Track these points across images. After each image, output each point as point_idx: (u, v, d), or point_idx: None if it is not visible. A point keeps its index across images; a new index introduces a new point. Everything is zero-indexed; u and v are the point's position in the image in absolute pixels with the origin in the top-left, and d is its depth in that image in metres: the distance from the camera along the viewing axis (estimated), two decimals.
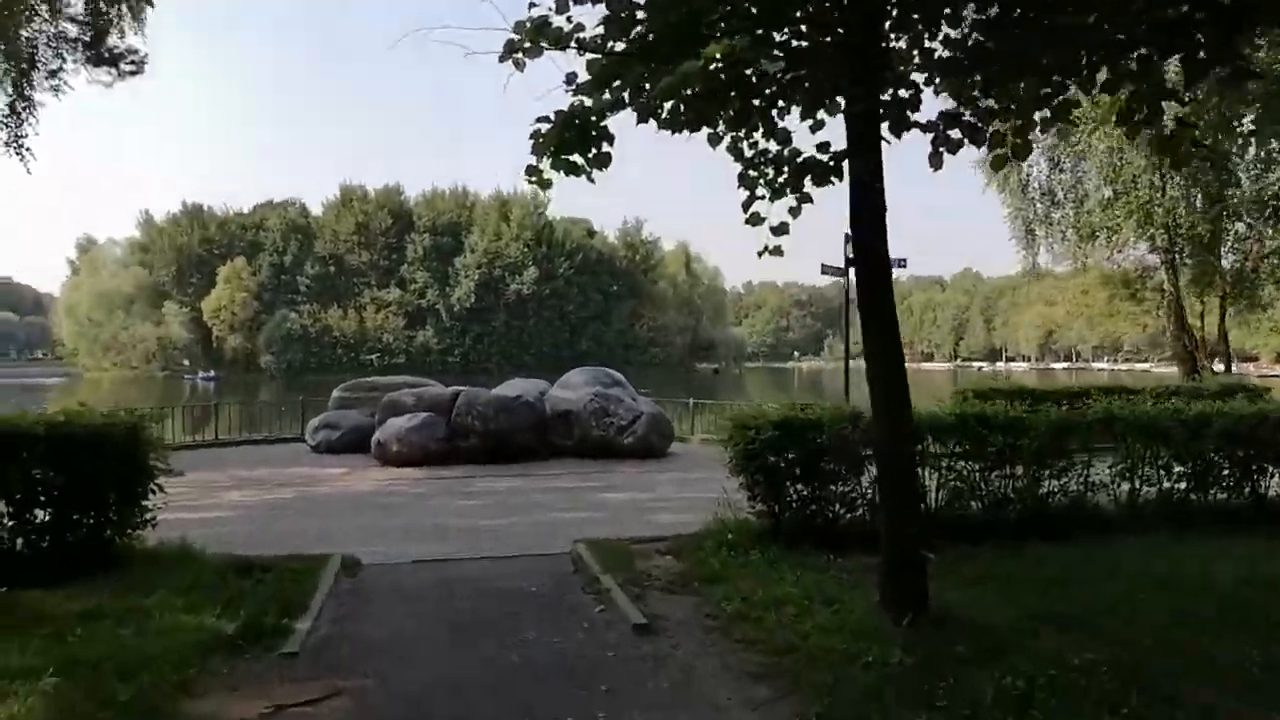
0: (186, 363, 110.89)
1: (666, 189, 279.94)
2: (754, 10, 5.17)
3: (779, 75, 5.04)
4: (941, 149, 5.73)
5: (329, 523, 9.72)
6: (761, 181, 5.87)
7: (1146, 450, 8.84)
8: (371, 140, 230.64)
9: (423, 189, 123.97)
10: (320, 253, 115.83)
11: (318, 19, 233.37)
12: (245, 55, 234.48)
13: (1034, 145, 21.72)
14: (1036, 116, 5.47)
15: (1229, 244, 20.99)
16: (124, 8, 17.52)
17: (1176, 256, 20.04)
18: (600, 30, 5.06)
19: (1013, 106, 5.45)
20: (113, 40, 17.67)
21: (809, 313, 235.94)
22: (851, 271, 17.59)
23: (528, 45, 4.69)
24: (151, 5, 17.97)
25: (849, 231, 6.24)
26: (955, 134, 5.60)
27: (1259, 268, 20.70)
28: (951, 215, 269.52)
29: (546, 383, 17.91)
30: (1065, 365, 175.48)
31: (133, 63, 18.39)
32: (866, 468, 7.86)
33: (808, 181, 5.71)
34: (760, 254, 5.94)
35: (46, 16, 16.75)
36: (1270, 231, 21.45)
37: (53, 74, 16.99)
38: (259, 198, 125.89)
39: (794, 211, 5.84)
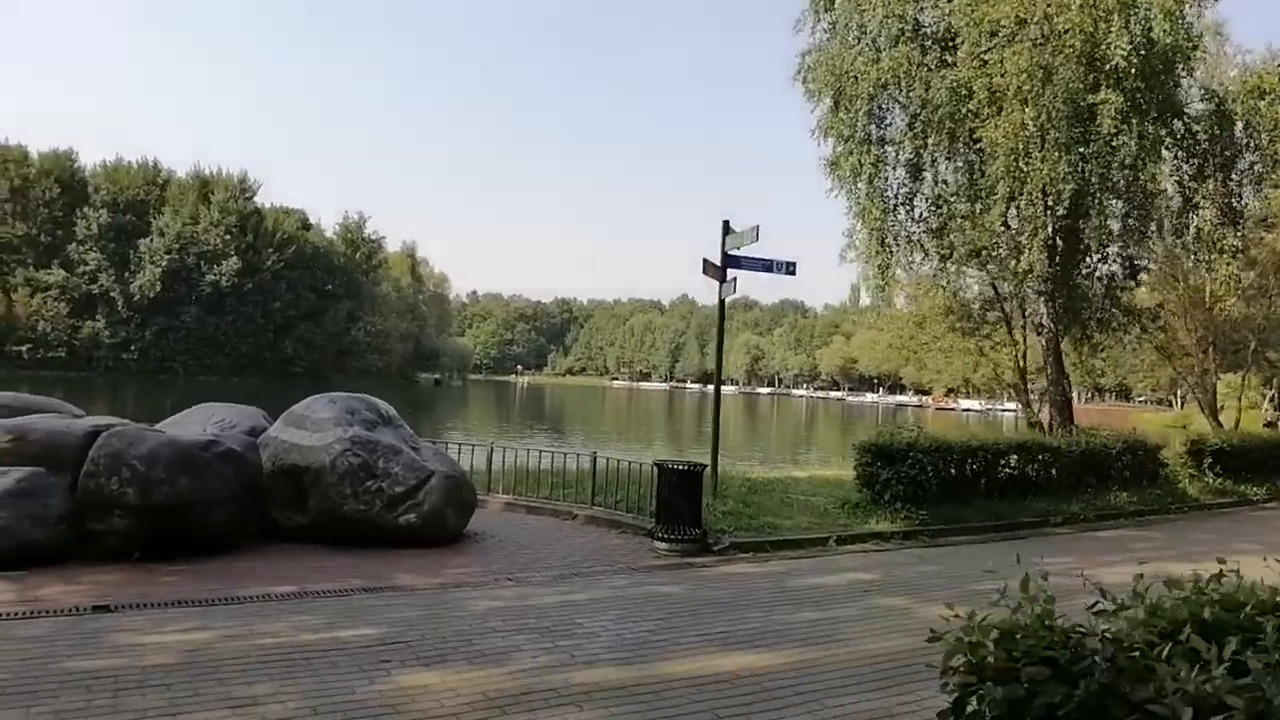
0: None
1: (393, 185, 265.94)
2: None
3: None
4: None
5: None
6: None
7: None
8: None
9: (104, 158, 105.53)
10: None
11: None
12: None
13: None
14: None
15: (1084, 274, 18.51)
16: None
17: (1055, 288, 17.10)
18: None
19: None
20: None
21: (533, 327, 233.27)
22: (729, 273, 12.65)
23: None
24: None
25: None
26: None
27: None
28: (673, 240, 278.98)
29: (262, 413, 11.18)
30: (770, 390, 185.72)
31: None
32: None
33: None
34: None
35: None
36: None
37: None
38: None
39: None
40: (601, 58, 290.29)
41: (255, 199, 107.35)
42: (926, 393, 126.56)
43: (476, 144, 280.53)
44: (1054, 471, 14.48)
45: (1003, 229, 16.02)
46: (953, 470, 13.25)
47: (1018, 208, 15.75)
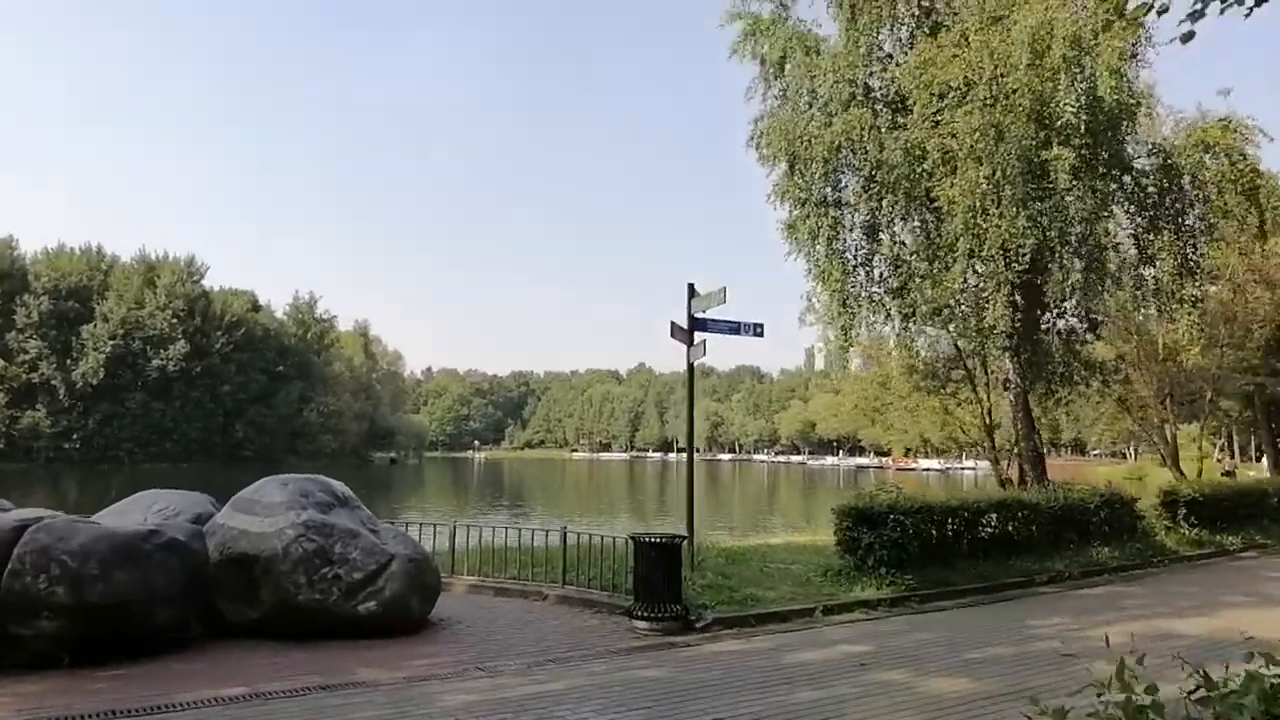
0: None
1: (342, 265, 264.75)
2: None
3: None
4: None
5: None
6: None
7: None
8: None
9: (45, 244, 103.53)
10: None
11: None
12: None
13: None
14: None
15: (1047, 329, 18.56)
16: None
17: (1020, 343, 17.04)
18: None
19: None
20: None
21: (490, 401, 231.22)
22: (698, 336, 12.32)
23: None
24: None
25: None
26: None
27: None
28: (630, 308, 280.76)
29: (209, 499, 10.47)
30: (731, 457, 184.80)
31: None
32: None
33: None
34: None
35: None
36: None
37: None
38: None
39: None
40: (551, 127, 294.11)
41: (203, 281, 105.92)
42: (886, 454, 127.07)
43: (428, 217, 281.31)
44: (1034, 529, 14.15)
45: (963, 287, 15.97)
46: (934, 531, 12.86)
47: (975, 267, 15.72)
